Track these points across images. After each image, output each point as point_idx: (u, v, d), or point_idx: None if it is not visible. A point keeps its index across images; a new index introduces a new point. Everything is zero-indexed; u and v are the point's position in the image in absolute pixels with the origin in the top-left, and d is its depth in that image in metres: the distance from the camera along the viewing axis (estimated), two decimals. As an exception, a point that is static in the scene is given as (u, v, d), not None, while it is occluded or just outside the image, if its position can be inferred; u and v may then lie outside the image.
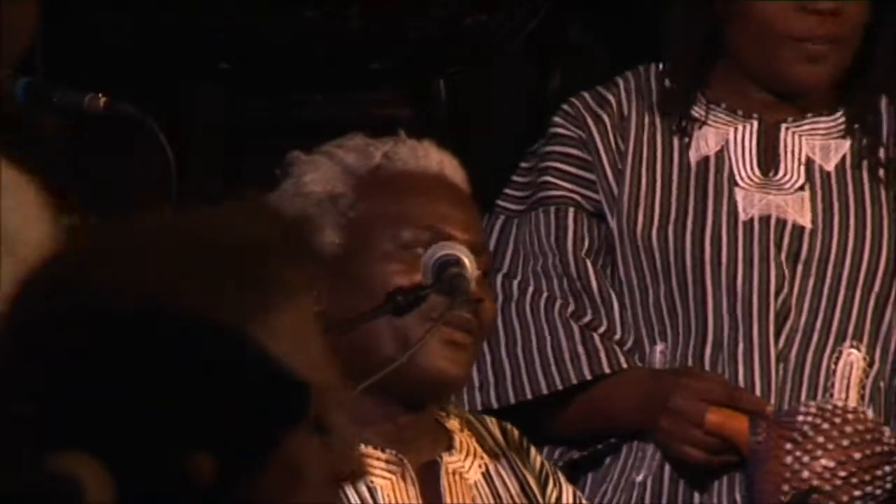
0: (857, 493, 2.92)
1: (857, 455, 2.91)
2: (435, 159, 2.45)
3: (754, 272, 2.95)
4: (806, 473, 2.88)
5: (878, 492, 2.86)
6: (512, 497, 2.44)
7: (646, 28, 3.84)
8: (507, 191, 3.06)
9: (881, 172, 3.02)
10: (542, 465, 2.56)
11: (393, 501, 2.33)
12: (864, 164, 3.04)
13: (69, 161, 2.99)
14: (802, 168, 3.04)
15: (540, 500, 2.49)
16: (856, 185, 3.04)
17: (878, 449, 2.92)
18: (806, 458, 2.86)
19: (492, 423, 2.46)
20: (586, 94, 3.05)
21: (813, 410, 2.87)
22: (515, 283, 3.03)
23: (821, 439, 2.89)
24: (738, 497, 2.91)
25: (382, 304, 2.28)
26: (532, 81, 3.93)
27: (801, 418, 2.89)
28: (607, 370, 2.88)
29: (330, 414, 1.34)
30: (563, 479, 2.53)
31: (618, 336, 2.98)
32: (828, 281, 2.97)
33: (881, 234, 3.03)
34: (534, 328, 3.03)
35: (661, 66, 3.05)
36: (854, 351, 2.91)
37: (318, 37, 3.51)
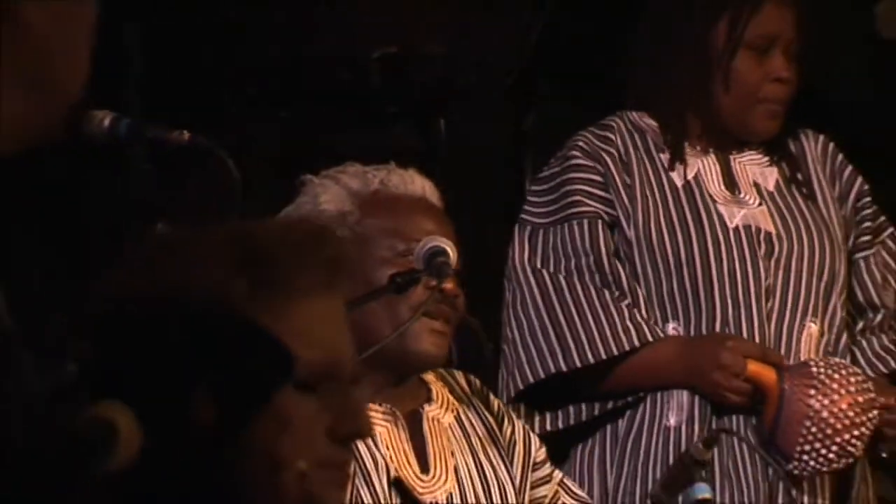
0: (859, 431, 3.38)
1: (861, 399, 3.38)
2: (419, 185, 2.84)
3: (747, 267, 3.39)
4: (825, 413, 3.38)
5: (868, 431, 3.37)
6: (478, 434, 2.87)
7: (598, 81, 4.16)
8: (530, 207, 3.51)
9: (804, 189, 3.51)
10: (499, 406, 2.97)
11: (389, 444, 2.74)
12: (793, 185, 3.52)
13: (155, 182, 3.35)
14: (754, 189, 3.51)
15: (498, 434, 2.92)
16: (792, 200, 3.52)
17: (870, 395, 3.39)
18: (826, 402, 3.34)
19: (459, 375, 2.87)
20: (591, 134, 3.50)
21: (822, 364, 3.39)
22: (552, 275, 3.46)
23: (835, 385, 3.34)
24: (750, 431, 3.34)
25: (385, 287, 2.66)
26: (510, 121, 4.36)
27: (814, 370, 3.37)
28: (651, 339, 3.32)
29: (334, 381, 1.62)
30: (514, 417, 3.00)
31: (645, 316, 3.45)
32: (793, 273, 3.44)
33: (822, 236, 3.52)
34: (587, 308, 3.44)
35: (633, 113, 3.50)
36: (812, 325, 3.41)
37: (349, 89, 4.00)
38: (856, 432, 3.37)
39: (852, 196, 3.65)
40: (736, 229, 3.44)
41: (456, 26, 4.08)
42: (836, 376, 3.41)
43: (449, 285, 2.66)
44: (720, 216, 3.46)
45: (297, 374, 1.64)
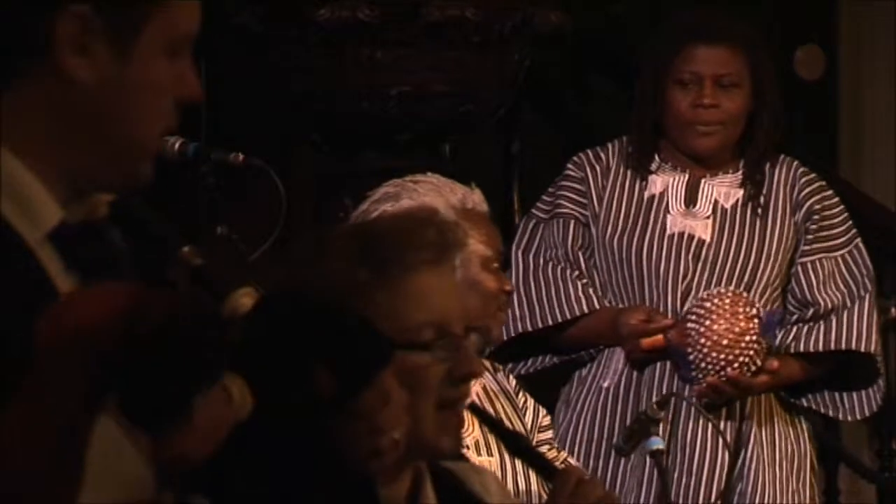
0: (741, 354, 3.80)
1: (743, 324, 3.77)
2: (485, 204, 3.26)
3: (670, 266, 3.89)
4: (703, 340, 3.79)
5: (752, 353, 3.80)
6: (499, 398, 3.27)
7: (571, 114, 5.02)
8: (539, 204, 4.05)
9: (759, 209, 3.94)
10: (514, 382, 3.40)
11: None
12: (750, 204, 3.96)
13: (217, 195, 3.48)
14: (710, 205, 3.97)
15: (515, 400, 3.34)
16: (741, 216, 3.94)
17: (752, 311, 3.79)
18: (702, 329, 3.78)
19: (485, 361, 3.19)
20: (589, 151, 4.07)
21: (704, 295, 3.87)
22: (534, 258, 4.00)
23: (714, 316, 3.77)
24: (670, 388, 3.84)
25: None
26: (501, 145, 4.97)
27: (700, 304, 3.85)
28: (597, 306, 3.86)
29: (447, 338, 1.88)
30: (526, 393, 3.41)
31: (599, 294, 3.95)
32: (715, 275, 3.89)
33: (758, 248, 3.95)
34: (553, 284, 3.97)
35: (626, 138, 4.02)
36: None
37: (371, 120, 4.34)
38: (741, 354, 3.82)
39: (801, 215, 4.03)
40: (671, 236, 3.92)
41: (457, 69, 4.40)
42: (717, 301, 3.84)
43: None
44: (664, 224, 3.95)
45: (412, 336, 1.92)
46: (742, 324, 3.79)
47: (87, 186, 1.73)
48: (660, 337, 3.81)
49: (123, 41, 1.64)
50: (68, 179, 1.69)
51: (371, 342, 1.73)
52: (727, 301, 3.81)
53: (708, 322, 3.78)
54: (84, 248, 1.75)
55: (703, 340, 3.78)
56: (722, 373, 3.83)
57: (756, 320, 3.81)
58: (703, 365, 3.80)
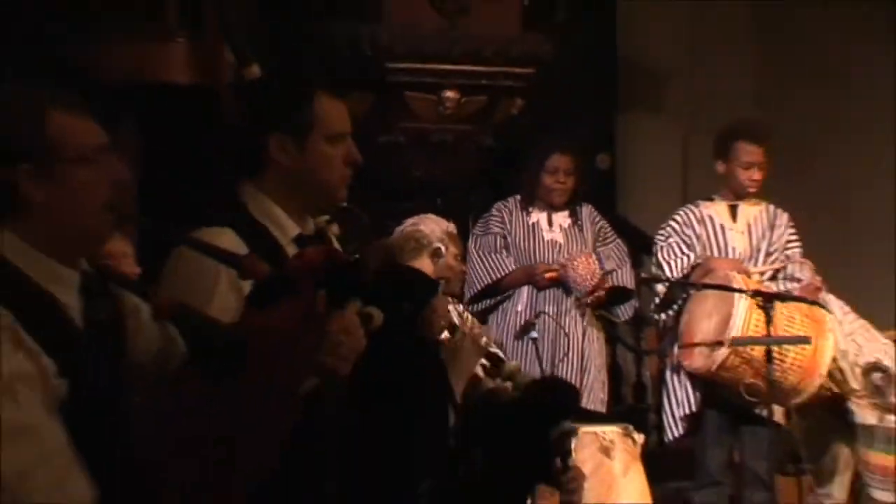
0: (592, 280, 5.39)
1: (592, 266, 5.44)
2: (453, 227, 4.40)
3: (544, 253, 5.51)
4: (576, 275, 5.35)
5: (597, 281, 5.36)
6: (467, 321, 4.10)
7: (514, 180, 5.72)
8: (478, 227, 5.49)
9: (579, 226, 5.52)
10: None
11: None
12: (576, 225, 5.52)
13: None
14: (559, 225, 5.57)
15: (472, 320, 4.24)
16: (571, 230, 5.51)
17: (593, 261, 5.36)
18: (575, 270, 5.35)
19: None
20: (502, 202, 5.53)
21: (573, 255, 5.47)
22: (478, 251, 5.49)
23: (576, 263, 5.36)
24: (562, 306, 5.29)
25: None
26: (466, 198, 6.01)
27: (571, 258, 5.37)
28: (513, 268, 5.41)
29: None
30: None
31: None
32: (564, 254, 5.45)
33: (578, 243, 5.52)
34: (491, 263, 5.52)
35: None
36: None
37: (399, 183, 5.59)
38: (591, 281, 5.40)
39: (596, 228, 5.68)
40: (545, 240, 5.61)
41: (448, 163, 5.81)
42: (576, 261, 5.45)
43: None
44: (540, 235, 5.60)
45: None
46: (592, 266, 5.51)
47: (310, 213, 2.60)
48: (556, 273, 5.44)
49: (300, 143, 2.51)
50: (299, 211, 2.55)
51: (426, 281, 2.73)
52: (583, 257, 5.51)
53: (577, 266, 5.46)
54: (318, 242, 2.55)
55: (576, 276, 5.48)
56: (588, 292, 5.48)
57: (596, 264, 5.50)
58: (579, 287, 5.49)
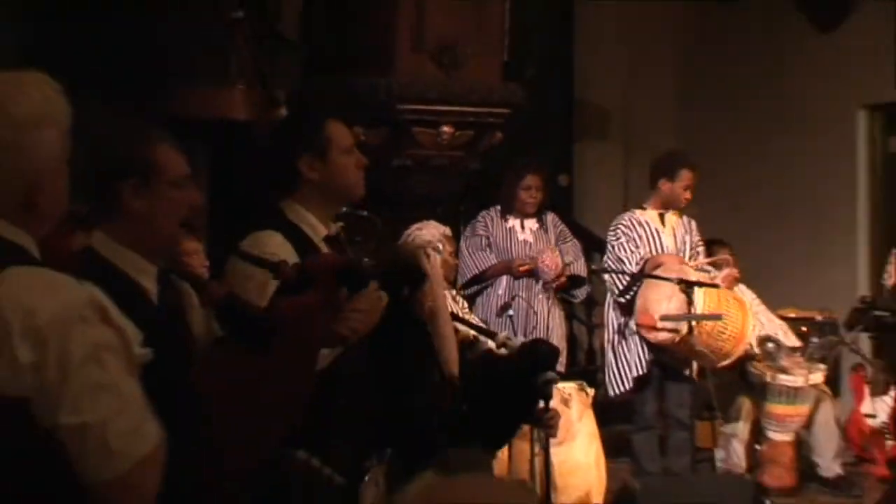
0: (557, 270, 5.46)
1: (557, 260, 5.45)
2: (449, 231, 4.54)
3: (518, 251, 5.55)
4: (545, 266, 5.41)
5: (560, 270, 5.46)
6: (457, 303, 4.38)
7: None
8: (467, 231, 5.58)
9: (545, 230, 5.52)
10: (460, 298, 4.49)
11: None
12: (541, 229, 5.58)
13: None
14: (530, 229, 5.64)
15: (461, 303, 4.67)
16: (539, 234, 5.56)
17: (557, 254, 5.50)
18: (544, 263, 5.41)
19: None
20: (485, 212, 5.61)
21: (542, 250, 5.47)
22: (468, 249, 5.50)
23: (544, 256, 5.40)
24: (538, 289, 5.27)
25: None
26: (455, 208, 6.02)
27: (541, 252, 5.41)
28: (495, 262, 5.43)
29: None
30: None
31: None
32: (535, 251, 5.44)
33: (544, 242, 5.48)
34: (477, 258, 5.55)
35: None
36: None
37: (407, 196, 5.61)
38: (557, 271, 5.39)
39: (557, 231, 5.72)
40: (519, 240, 5.69)
41: (443, 184, 5.86)
42: (544, 255, 5.42)
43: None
44: (515, 236, 5.67)
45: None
46: (556, 260, 5.55)
47: (332, 218, 2.66)
48: (528, 265, 5.54)
49: (322, 158, 2.62)
50: (325, 217, 2.65)
51: (419, 274, 2.70)
52: (548, 253, 5.55)
53: (544, 259, 5.52)
54: (336, 242, 2.65)
55: (543, 267, 5.57)
56: (552, 279, 5.55)
57: (558, 258, 5.53)
58: (546, 277, 5.55)
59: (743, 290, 5.80)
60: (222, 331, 2.19)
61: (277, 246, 2.58)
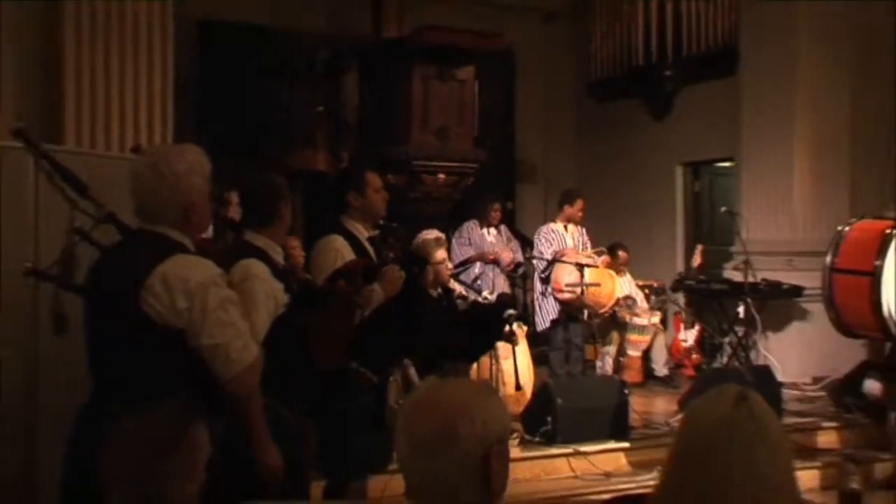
0: (514, 259, 5.19)
1: (515, 255, 5.17)
2: (443, 236, 4.03)
3: (488, 249, 5.20)
4: (505, 258, 5.26)
5: (525, 261, 5.04)
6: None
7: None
8: (455, 235, 5.29)
9: (502, 236, 5.09)
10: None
11: None
12: (501, 234, 5.18)
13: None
14: (494, 234, 5.33)
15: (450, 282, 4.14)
16: (501, 238, 5.10)
17: (513, 249, 5.33)
18: (503, 254, 5.15)
19: None
20: (466, 223, 5.39)
21: (503, 248, 5.16)
22: (459, 248, 5.27)
23: (503, 250, 5.21)
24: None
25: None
26: (449, 216, 5.77)
27: (504, 251, 5.16)
28: (474, 254, 5.15)
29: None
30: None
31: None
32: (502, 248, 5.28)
33: (505, 243, 5.35)
34: (461, 250, 5.29)
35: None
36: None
37: (413, 211, 5.43)
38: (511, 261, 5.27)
39: (507, 235, 5.41)
40: (488, 241, 5.43)
41: (438, 195, 5.69)
42: (505, 252, 5.18)
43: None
44: (485, 239, 5.42)
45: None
46: (509, 254, 5.34)
47: (369, 226, 2.67)
48: (493, 256, 5.36)
49: (363, 193, 2.62)
50: (366, 226, 2.71)
51: (424, 259, 3.04)
52: (505, 249, 5.30)
53: (500, 252, 5.30)
54: (375, 241, 2.77)
55: (502, 257, 5.33)
56: (506, 264, 5.36)
57: (510, 252, 5.26)
58: (503, 263, 5.28)
59: (625, 273, 5.95)
60: (306, 298, 2.21)
61: (340, 243, 2.65)
